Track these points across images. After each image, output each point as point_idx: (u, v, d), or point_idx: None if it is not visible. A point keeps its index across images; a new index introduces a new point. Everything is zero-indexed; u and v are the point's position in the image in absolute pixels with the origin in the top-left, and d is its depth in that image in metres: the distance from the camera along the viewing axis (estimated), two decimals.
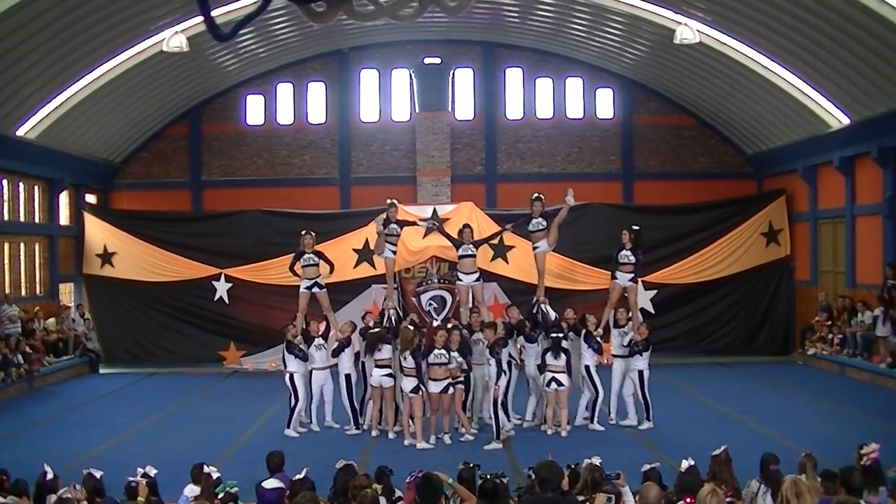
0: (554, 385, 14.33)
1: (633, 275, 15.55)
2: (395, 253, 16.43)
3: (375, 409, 14.49)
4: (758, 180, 25.57)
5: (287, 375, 14.86)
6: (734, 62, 20.84)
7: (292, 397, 14.81)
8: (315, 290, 15.63)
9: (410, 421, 14.07)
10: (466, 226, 16.31)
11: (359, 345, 14.90)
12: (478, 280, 15.76)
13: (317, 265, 15.67)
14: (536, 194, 16.09)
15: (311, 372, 15.04)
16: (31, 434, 15.30)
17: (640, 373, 14.91)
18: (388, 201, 16.53)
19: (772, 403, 17.20)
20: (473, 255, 15.71)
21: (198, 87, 24.58)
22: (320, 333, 15.20)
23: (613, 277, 15.59)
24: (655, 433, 14.42)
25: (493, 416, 13.84)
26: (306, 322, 15.37)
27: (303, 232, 16.02)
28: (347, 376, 14.78)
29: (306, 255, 15.62)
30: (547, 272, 22.27)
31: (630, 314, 15.33)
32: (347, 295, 21.90)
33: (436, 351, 13.83)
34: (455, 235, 16.17)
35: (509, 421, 14.43)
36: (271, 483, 7.24)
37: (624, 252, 15.40)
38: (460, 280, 15.89)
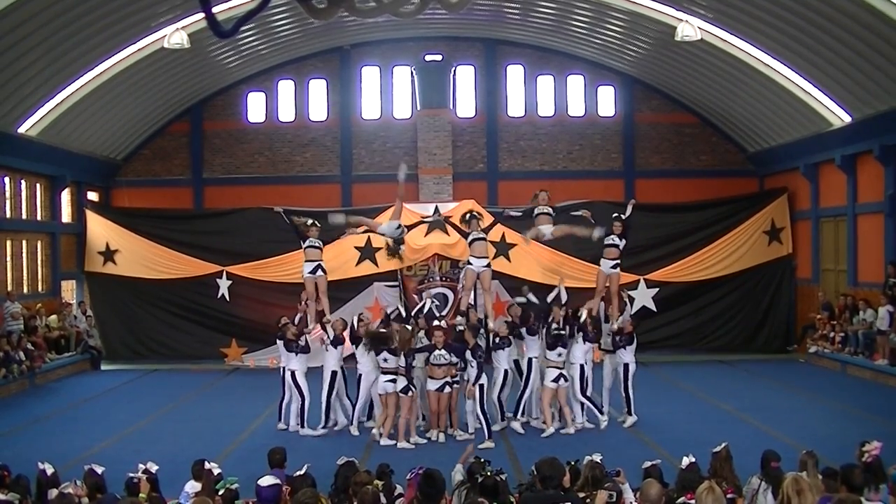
0: (562, 381, 14.33)
1: (616, 261, 15.64)
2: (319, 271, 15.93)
3: (382, 416, 14.26)
4: (759, 178, 25.57)
5: (288, 374, 14.75)
6: (735, 59, 20.82)
7: (295, 396, 14.69)
8: (319, 273, 15.75)
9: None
10: (472, 215, 15.90)
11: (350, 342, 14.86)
12: (487, 266, 15.54)
13: (320, 249, 15.91)
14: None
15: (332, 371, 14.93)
16: (33, 431, 15.31)
17: (626, 366, 14.86)
18: (309, 222, 16.16)
19: (773, 401, 17.20)
20: (484, 239, 15.55)
21: (199, 84, 24.59)
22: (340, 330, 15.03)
23: (599, 265, 15.87)
24: (656, 430, 14.41)
25: (479, 416, 13.89)
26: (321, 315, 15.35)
27: (309, 222, 16.04)
28: (333, 373, 14.66)
29: (310, 240, 15.79)
30: (547, 269, 22.44)
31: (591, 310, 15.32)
32: (349, 293, 21.93)
33: (436, 352, 13.84)
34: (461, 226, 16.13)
35: (503, 419, 14.52)
36: (267, 480, 7.21)
37: (612, 236, 15.55)
38: (470, 264, 15.55)
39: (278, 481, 7.33)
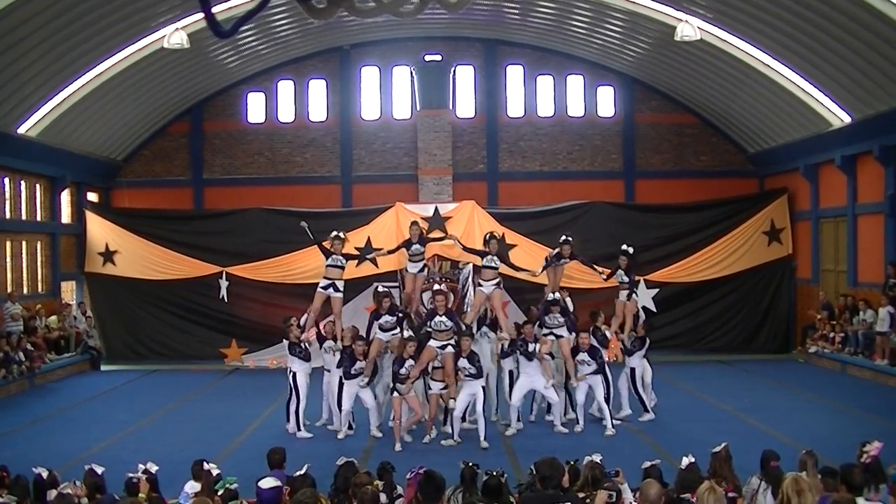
0: (552, 336, 14.53)
1: (628, 291, 15.79)
2: (420, 270, 16.10)
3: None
4: (759, 179, 25.56)
5: (290, 374, 14.66)
6: (735, 60, 20.82)
7: (293, 396, 14.63)
8: (331, 291, 15.36)
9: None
10: (493, 236, 15.80)
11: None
12: (497, 285, 15.28)
13: (342, 268, 15.49)
14: (564, 237, 15.94)
15: (324, 374, 14.94)
16: (33, 431, 15.32)
17: (632, 370, 15.28)
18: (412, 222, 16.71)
19: (773, 401, 17.20)
20: (496, 268, 15.32)
21: (199, 84, 24.59)
22: (332, 336, 14.91)
23: (616, 297, 15.98)
24: (656, 430, 14.41)
25: (452, 418, 13.95)
26: (315, 323, 15.16)
27: (332, 234, 15.61)
28: (341, 378, 14.50)
29: (334, 256, 15.43)
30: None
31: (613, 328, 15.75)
32: (349, 293, 21.75)
33: (436, 318, 13.95)
34: (479, 244, 16.09)
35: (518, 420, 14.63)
36: (268, 482, 7.20)
37: (619, 272, 15.76)
38: (480, 286, 15.46)
39: (279, 483, 7.32)
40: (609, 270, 16.11)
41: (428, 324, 14.40)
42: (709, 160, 25.81)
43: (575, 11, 22.25)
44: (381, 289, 15.51)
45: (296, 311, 16.25)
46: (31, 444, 13.90)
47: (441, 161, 24.90)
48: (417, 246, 16.05)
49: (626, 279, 15.73)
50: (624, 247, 15.88)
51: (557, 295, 15.03)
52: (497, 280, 15.31)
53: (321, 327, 15.13)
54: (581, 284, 22.19)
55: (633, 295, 15.81)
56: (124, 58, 20.30)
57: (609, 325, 15.67)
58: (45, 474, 8.09)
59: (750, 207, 23.73)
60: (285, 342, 14.93)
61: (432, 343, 13.94)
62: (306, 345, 14.83)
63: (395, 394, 13.81)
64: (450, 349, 13.93)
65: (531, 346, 14.28)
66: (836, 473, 7.32)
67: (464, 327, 14.65)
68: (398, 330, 14.62)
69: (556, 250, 15.90)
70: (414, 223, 16.72)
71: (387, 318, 14.63)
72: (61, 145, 21.83)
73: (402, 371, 13.78)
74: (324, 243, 15.60)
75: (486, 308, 15.38)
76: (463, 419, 14.30)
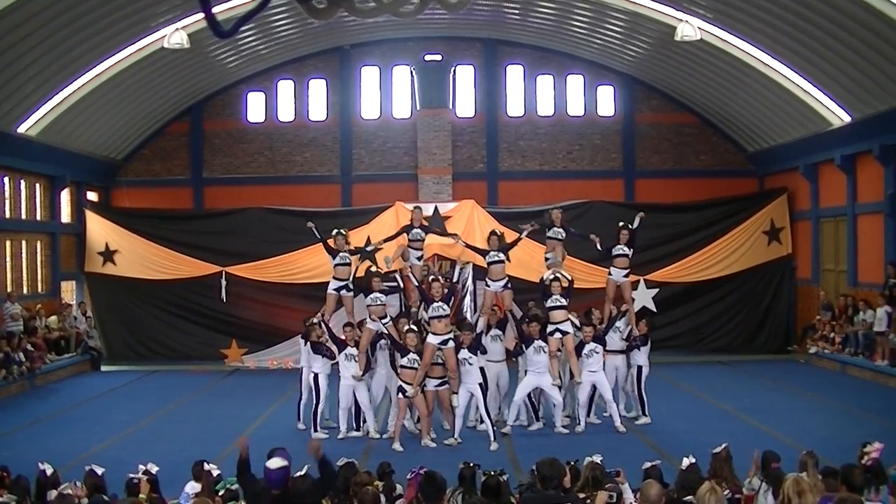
0: (558, 334, 14.25)
1: (627, 270, 15.76)
2: (420, 259, 16.12)
3: (401, 418, 14.05)
4: (759, 178, 25.56)
5: (310, 375, 14.52)
6: (735, 59, 20.82)
7: (312, 397, 14.45)
8: (343, 292, 15.42)
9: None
10: (493, 232, 15.87)
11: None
12: (506, 287, 15.26)
13: (349, 265, 15.53)
14: (555, 206, 16.10)
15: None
16: (33, 431, 15.32)
17: (639, 368, 15.13)
18: (414, 206, 16.94)
19: (773, 401, 17.21)
20: (502, 262, 15.29)
21: (199, 84, 24.58)
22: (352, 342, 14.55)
23: (609, 274, 15.86)
24: (656, 431, 14.42)
25: (482, 417, 13.95)
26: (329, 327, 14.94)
27: (335, 232, 15.66)
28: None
29: (341, 254, 15.47)
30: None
31: (623, 308, 15.51)
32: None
33: (434, 304, 13.78)
34: (482, 241, 16.06)
35: (538, 419, 14.71)
36: (276, 462, 7.12)
37: (619, 246, 15.63)
38: (488, 286, 15.38)
39: (286, 463, 7.23)
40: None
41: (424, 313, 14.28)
42: (708, 160, 25.81)
43: (575, 11, 22.25)
44: (373, 269, 15.46)
45: (296, 311, 16.30)
46: (31, 444, 13.89)
47: (441, 160, 24.90)
48: (418, 231, 16.19)
49: (627, 250, 15.53)
50: (622, 223, 15.79)
51: (549, 274, 14.69)
52: (506, 279, 15.26)
53: (343, 333, 14.69)
54: (581, 284, 22.17)
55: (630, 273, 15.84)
56: (124, 58, 20.30)
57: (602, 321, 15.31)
58: (49, 471, 8.10)
59: (750, 207, 23.74)
60: (301, 341, 14.84)
61: (432, 339, 13.69)
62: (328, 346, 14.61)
63: (401, 395, 13.70)
64: (450, 344, 13.73)
65: (537, 343, 14.23)
66: (836, 474, 7.33)
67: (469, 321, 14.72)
68: (388, 319, 14.38)
69: (549, 218, 16.06)
70: (417, 207, 16.95)
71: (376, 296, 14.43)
72: (61, 145, 21.82)
73: (405, 362, 13.67)
74: (327, 241, 15.63)
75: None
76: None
